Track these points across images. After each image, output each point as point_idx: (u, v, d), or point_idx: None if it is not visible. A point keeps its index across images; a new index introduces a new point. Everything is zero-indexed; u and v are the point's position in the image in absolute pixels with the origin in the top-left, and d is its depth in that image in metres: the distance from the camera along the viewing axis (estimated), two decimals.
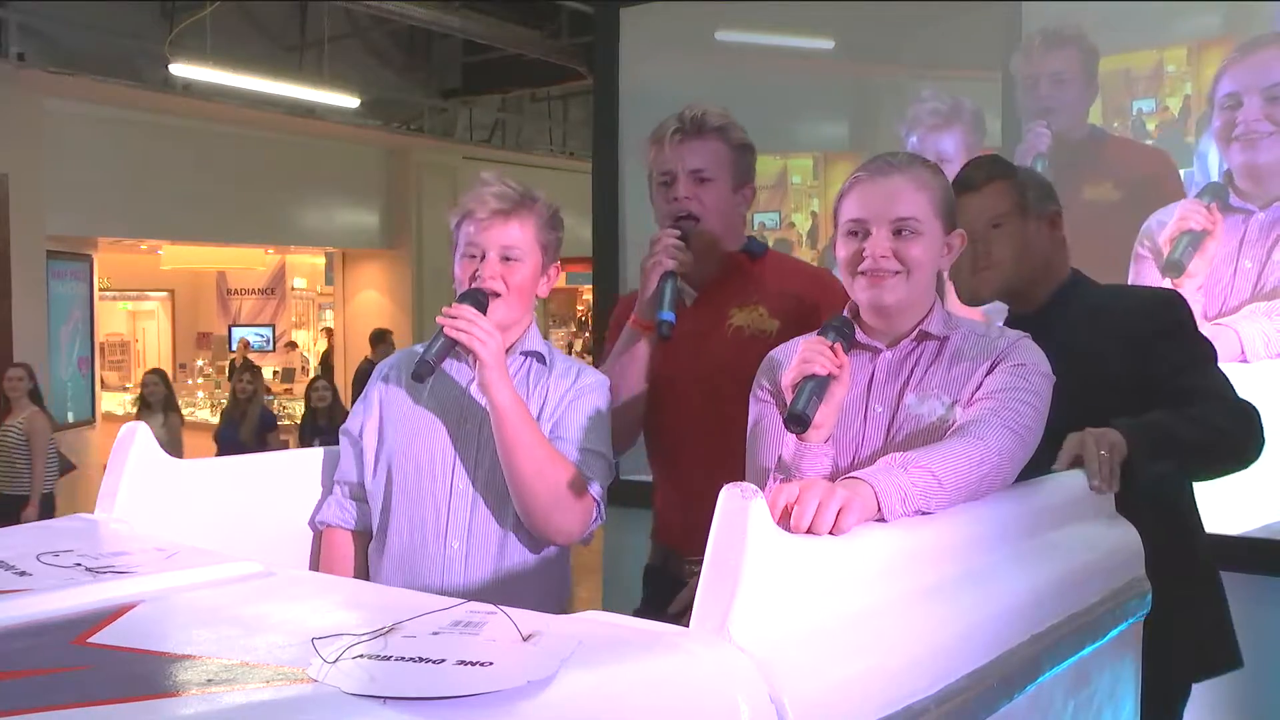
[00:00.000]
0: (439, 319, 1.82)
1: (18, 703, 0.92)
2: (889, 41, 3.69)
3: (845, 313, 1.77)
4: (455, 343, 1.82)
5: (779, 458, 1.68)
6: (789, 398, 1.60)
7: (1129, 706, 1.87)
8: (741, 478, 1.74)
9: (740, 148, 2.20)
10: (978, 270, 2.16)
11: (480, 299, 1.86)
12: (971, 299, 2.21)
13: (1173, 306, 2.15)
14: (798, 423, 1.57)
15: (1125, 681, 1.86)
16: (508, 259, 1.91)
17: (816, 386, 1.58)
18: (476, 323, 1.80)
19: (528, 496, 1.85)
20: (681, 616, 2.06)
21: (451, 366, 1.97)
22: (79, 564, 1.37)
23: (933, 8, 3.51)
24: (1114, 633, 1.78)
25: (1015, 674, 1.50)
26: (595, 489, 1.90)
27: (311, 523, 2.06)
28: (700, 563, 2.15)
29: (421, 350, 1.87)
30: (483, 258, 1.90)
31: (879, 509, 1.43)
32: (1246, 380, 2.92)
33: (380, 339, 9.27)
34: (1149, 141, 3.24)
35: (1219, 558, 2.22)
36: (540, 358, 1.98)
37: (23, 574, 1.32)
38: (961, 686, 1.39)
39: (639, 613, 2.06)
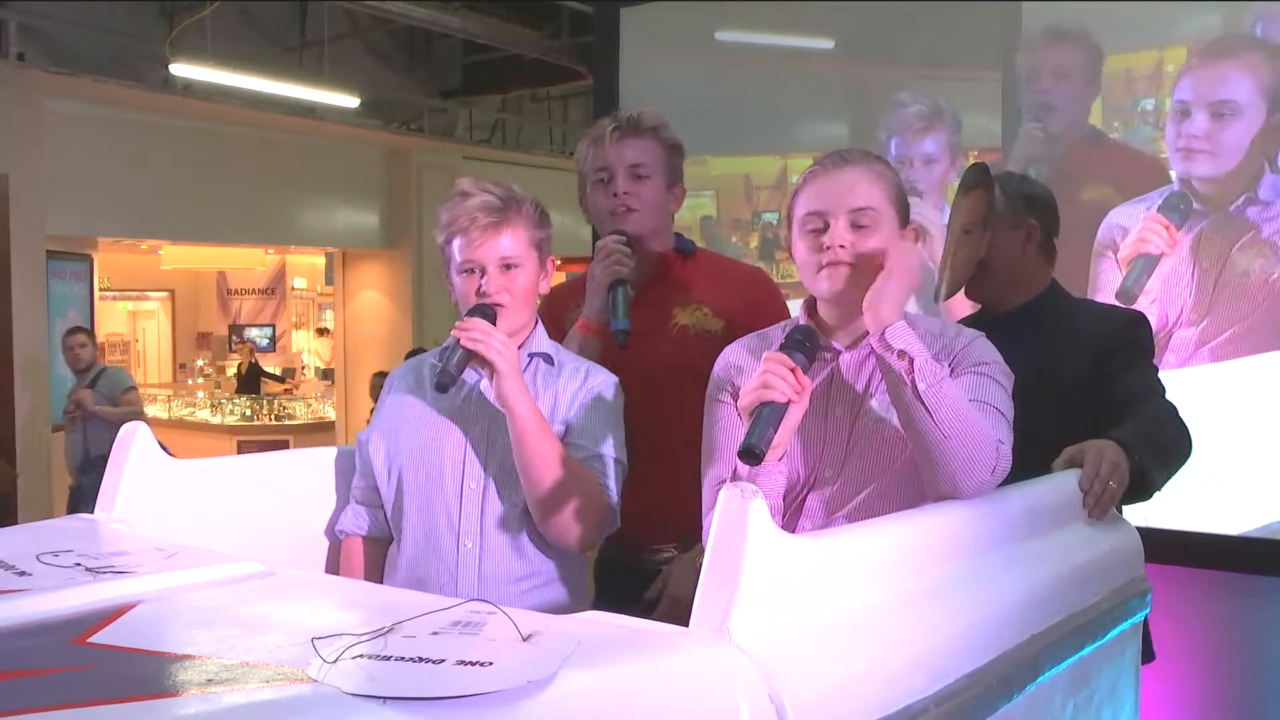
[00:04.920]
0: (454, 333, 1.84)
1: (18, 703, 0.92)
2: (889, 41, 3.69)
3: (802, 315, 1.76)
4: (472, 353, 1.83)
5: (734, 471, 1.61)
6: (745, 421, 1.54)
7: (1129, 706, 1.87)
8: (690, 467, 1.78)
9: (673, 147, 2.32)
10: (946, 269, 2.31)
11: (488, 312, 1.88)
12: (937, 294, 2.39)
13: (1138, 324, 2.26)
14: (751, 456, 1.49)
15: (1125, 681, 1.86)
16: (507, 268, 1.93)
17: (772, 414, 1.50)
18: (492, 334, 1.82)
19: (544, 504, 1.85)
20: (655, 606, 2.07)
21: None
22: (79, 564, 1.37)
23: (933, 8, 3.51)
24: (1114, 633, 1.78)
25: (1014, 674, 1.50)
26: (610, 495, 1.90)
27: (327, 531, 2.09)
28: (662, 549, 2.18)
29: (435, 360, 1.91)
30: (482, 272, 1.92)
31: (911, 366, 1.53)
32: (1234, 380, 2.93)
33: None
34: (1149, 141, 3.23)
35: (1219, 558, 2.22)
36: (548, 358, 1.99)
37: (22, 574, 1.32)
38: (961, 686, 1.39)
39: (597, 607, 2.07)
